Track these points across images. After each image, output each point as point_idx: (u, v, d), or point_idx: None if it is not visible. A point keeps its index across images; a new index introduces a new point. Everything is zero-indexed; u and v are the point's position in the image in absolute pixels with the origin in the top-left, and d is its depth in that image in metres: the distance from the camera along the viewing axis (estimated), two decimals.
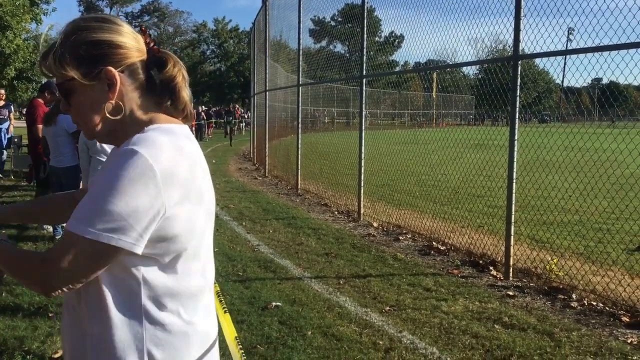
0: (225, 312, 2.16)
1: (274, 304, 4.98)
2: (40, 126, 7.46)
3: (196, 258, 1.43)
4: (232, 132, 29.51)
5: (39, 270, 1.28)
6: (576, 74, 7.18)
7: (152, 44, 1.46)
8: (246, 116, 40.17)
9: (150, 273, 1.34)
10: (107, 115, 1.38)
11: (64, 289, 1.29)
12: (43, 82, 8.79)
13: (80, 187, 6.78)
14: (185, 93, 1.50)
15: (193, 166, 1.38)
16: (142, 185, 1.25)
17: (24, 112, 13.59)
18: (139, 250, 1.28)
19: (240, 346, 1.98)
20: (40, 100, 7.94)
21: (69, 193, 1.87)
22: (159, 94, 1.46)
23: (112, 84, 1.38)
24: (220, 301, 2.17)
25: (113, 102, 1.38)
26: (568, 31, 7.18)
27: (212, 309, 1.55)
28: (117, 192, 1.24)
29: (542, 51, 5.84)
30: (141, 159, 1.26)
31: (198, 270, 1.45)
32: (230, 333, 2.11)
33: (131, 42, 1.41)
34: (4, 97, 13.76)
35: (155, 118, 1.44)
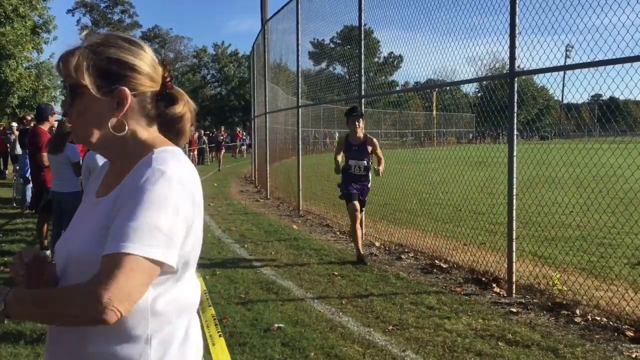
0: (220, 336, 2.15)
1: (276, 325, 4.97)
2: (45, 154, 7.46)
3: (191, 274, 1.48)
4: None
5: (92, 299, 1.20)
6: (573, 90, 7.22)
7: (168, 79, 1.51)
8: (247, 139, 40.36)
9: (161, 288, 1.37)
10: (110, 130, 1.42)
11: (123, 311, 1.23)
12: (37, 108, 8.76)
13: None
14: (188, 131, 1.59)
15: (196, 182, 1.44)
16: (179, 202, 1.31)
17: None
18: (176, 265, 1.32)
19: None
20: (44, 128, 7.96)
21: None
22: (164, 127, 1.53)
23: (121, 104, 1.42)
24: (216, 325, 2.16)
25: (116, 120, 1.42)
26: (566, 48, 7.24)
27: (192, 332, 1.50)
28: (159, 210, 1.28)
29: (538, 67, 5.88)
30: (173, 178, 1.32)
31: (194, 286, 1.49)
32: (225, 357, 2.11)
33: (149, 70, 1.47)
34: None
35: (157, 140, 1.48)
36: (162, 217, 1.27)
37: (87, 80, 1.39)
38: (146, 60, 1.46)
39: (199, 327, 1.53)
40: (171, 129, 1.54)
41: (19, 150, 18.23)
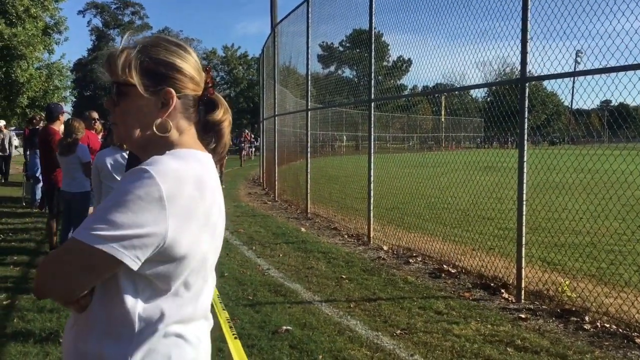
0: (235, 338, 2.15)
1: (284, 328, 4.97)
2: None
3: (192, 284, 1.43)
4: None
5: (38, 270, 1.30)
6: (584, 96, 7.21)
7: (210, 85, 1.54)
8: (255, 141, 40.42)
9: (147, 295, 1.35)
10: (154, 130, 1.44)
11: (54, 295, 1.31)
12: (47, 108, 8.77)
13: (91, 209, 6.93)
14: (228, 139, 1.58)
15: (202, 188, 1.39)
16: (147, 204, 1.27)
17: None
18: (135, 266, 1.28)
19: None
20: (56, 128, 7.99)
21: None
22: (205, 134, 1.54)
23: (166, 104, 1.45)
24: (230, 327, 2.17)
25: (163, 120, 1.45)
26: (576, 53, 7.22)
27: (205, 338, 1.51)
28: (123, 206, 1.26)
29: (549, 73, 5.86)
30: (150, 178, 1.29)
31: (192, 298, 1.43)
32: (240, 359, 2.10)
33: (194, 74, 1.49)
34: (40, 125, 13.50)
35: (185, 143, 1.48)
36: (114, 209, 1.26)
37: (135, 79, 1.42)
38: (191, 64, 1.49)
39: (199, 348, 1.46)
40: (210, 135, 1.55)
41: (7, 150, 18.32)
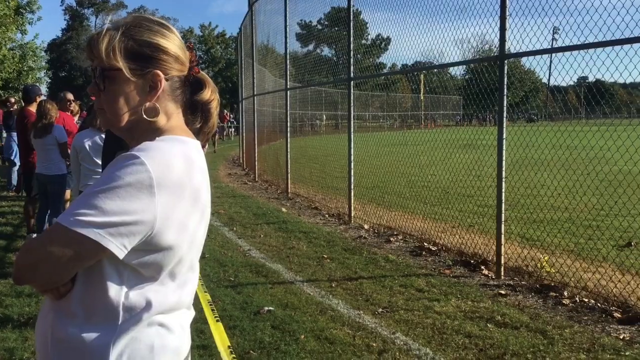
0: (217, 321, 2.14)
1: (266, 308, 4.96)
2: None
3: (178, 274, 1.40)
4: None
5: (18, 257, 1.25)
6: (562, 73, 7.23)
7: (194, 63, 1.49)
8: (235, 122, 40.17)
9: (131, 284, 1.32)
10: (143, 115, 1.40)
11: (35, 282, 1.26)
12: (24, 89, 8.58)
13: (68, 192, 6.84)
14: (216, 119, 1.55)
15: (191, 172, 1.36)
16: (137, 191, 1.24)
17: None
18: (121, 254, 1.25)
19: (234, 355, 1.96)
20: (32, 110, 7.84)
21: None
22: (192, 114, 1.51)
23: (154, 87, 1.40)
24: (212, 310, 2.15)
25: (151, 104, 1.40)
26: (553, 30, 7.22)
27: (187, 327, 1.49)
28: (111, 192, 1.22)
29: (527, 50, 5.86)
30: (141, 165, 1.25)
31: (177, 287, 1.41)
32: (223, 342, 2.09)
33: (179, 53, 1.45)
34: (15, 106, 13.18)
35: (173, 129, 1.44)
36: (102, 195, 1.22)
37: (120, 63, 1.36)
38: (176, 43, 1.44)
39: (183, 336, 1.45)
40: (198, 115, 1.52)
41: None
